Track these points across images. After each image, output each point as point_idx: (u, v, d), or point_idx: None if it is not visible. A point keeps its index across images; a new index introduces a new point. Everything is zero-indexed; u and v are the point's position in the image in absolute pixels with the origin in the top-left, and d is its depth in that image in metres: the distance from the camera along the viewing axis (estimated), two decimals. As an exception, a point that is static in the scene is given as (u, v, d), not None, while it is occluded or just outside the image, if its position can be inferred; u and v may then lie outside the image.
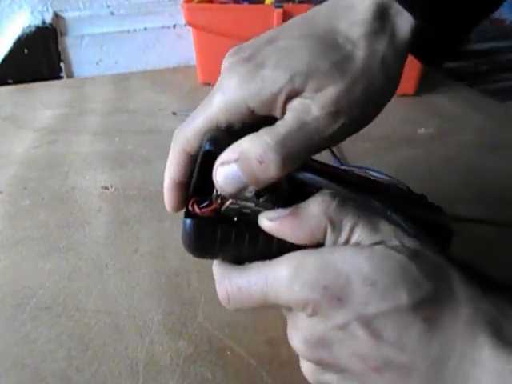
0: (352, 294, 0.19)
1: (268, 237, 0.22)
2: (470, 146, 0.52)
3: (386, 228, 0.21)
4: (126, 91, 0.69)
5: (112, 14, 0.75)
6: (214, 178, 0.21)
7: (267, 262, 0.21)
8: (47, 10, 0.72)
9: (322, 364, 0.21)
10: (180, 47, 0.81)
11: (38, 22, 0.72)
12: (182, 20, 0.71)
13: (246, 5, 0.68)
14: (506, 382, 0.17)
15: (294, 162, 0.20)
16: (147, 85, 0.72)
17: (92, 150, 0.52)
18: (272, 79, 0.21)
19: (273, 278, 0.20)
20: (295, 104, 0.21)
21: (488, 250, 0.36)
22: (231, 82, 0.22)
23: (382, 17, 0.22)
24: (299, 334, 0.21)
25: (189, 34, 0.69)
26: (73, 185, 0.45)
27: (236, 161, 0.20)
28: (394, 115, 0.61)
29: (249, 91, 0.21)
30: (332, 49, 0.22)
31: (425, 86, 0.66)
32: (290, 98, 0.21)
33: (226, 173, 0.20)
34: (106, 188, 0.45)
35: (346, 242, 0.21)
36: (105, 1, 0.74)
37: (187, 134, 0.23)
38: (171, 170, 0.24)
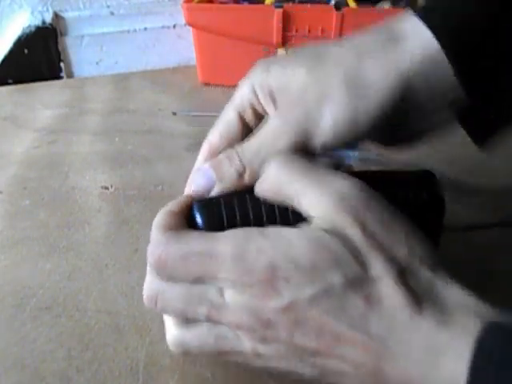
0: (288, 279, 0.19)
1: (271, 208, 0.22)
2: (470, 146, 0.52)
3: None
4: (126, 91, 0.69)
5: (112, 13, 0.75)
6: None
7: (211, 235, 0.21)
8: (47, 10, 0.72)
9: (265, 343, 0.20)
10: (180, 47, 0.81)
11: (38, 22, 0.72)
12: (182, 20, 0.71)
13: (246, 5, 0.68)
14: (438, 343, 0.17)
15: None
16: (147, 85, 0.72)
17: (92, 149, 0.52)
18: None
19: (216, 253, 0.20)
20: None
21: (492, 252, 0.36)
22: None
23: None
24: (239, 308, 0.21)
25: (189, 33, 0.69)
26: (73, 185, 0.45)
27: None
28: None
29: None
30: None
31: (425, 85, 0.66)
32: None
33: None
34: (106, 188, 0.45)
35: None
36: (105, 1, 0.74)
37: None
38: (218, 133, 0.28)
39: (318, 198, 0.20)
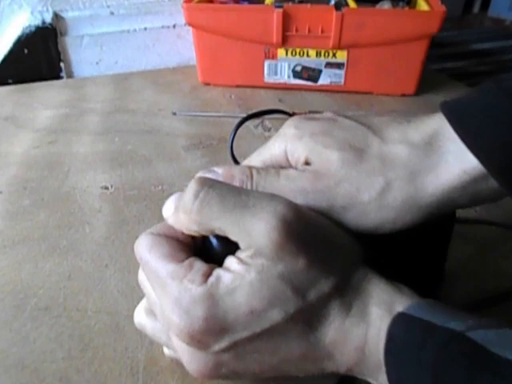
0: (227, 328, 0.20)
1: None
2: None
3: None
4: (126, 91, 0.69)
5: (112, 13, 0.75)
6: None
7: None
8: (47, 10, 0.72)
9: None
10: (180, 47, 0.81)
11: (37, 21, 0.72)
12: (182, 20, 0.71)
13: (246, 5, 0.68)
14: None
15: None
16: (147, 85, 0.72)
17: (92, 149, 0.52)
18: None
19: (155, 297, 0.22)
20: None
21: (490, 252, 0.36)
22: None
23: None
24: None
25: (189, 33, 0.69)
26: (73, 185, 0.45)
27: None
28: (394, 115, 0.61)
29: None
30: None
31: (425, 85, 0.66)
32: None
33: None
34: (106, 188, 0.45)
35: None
36: (105, 1, 0.74)
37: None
38: None
39: (246, 232, 0.20)
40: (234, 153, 0.38)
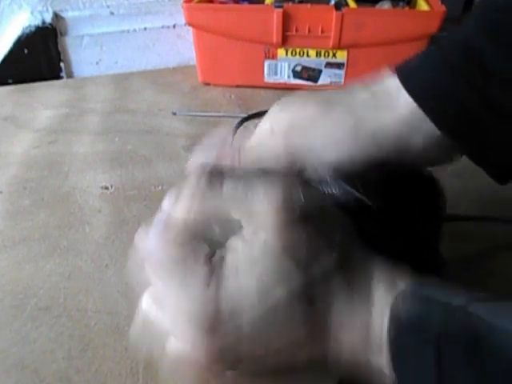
0: (237, 303, 0.20)
1: None
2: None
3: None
4: (126, 91, 0.69)
5: (112, 13, 0.75)
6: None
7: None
8: (47, 10, 0.72)
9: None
10: (180, 47, 0.81)
11: (37, 22, 0.72)
12: (182, 20, 0.71)
13: (246, 5, 0.68)
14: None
15: None
16: (147, 85, 0.72)
17: (92, 149, 0.52)
18: None
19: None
20: None
21: (490, 248, 0.36)
22: None
23: None
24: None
25: (189, 33, 0.69)
26: (73, 185, 0.45)
27: None
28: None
29: None
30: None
31: (425, 85, 0.66)
32: None
33: None
34: (106, 188, 0.45)
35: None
36: (105, 1, 0.74)
37: None
38: None
39: (248, 209, 0.21)
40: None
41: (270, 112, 0.29)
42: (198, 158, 0.28)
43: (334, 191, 0.24)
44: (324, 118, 0.26)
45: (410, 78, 0.26)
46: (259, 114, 0.39)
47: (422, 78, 0.25)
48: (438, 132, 0.25)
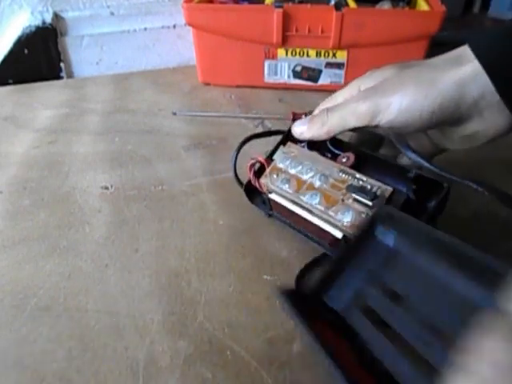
0: None
1: None
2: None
3: None
4: (126, 91, 0.70)
5: (112, 14, 0.75)
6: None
7: None
8: (47, 10, 0.72)
9: None
10: (180, 47, 0.81)
11: (38, 22, 0.72)
12: (182, 20, 0.71)
13: (246, 5, 0.68)
14: None
15: None
16: (147, 85, 0.72)
17: (92, 149, 0.52)
18: None
19: None
20: None
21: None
22: None
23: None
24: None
25: (189, 33, 0.69)
26: (73, 185, 0.45)
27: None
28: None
29: None
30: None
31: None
32: None
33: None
34: (106, 188, 0.45)
35: None
36: (105, 1, 0.74)
37: None
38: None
39: None
40: (233, 151, 0.38)
41: (361, 76, 0.34)
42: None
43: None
44: (398, 76, 0.30)
45: (476, 41, 0.29)
46: (261, 135, 0.40)
47: (486, 42, 0.28)
48: (491, 88, 0.27)
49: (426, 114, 0.29)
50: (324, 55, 0.64)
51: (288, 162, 0.35)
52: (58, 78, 0.77)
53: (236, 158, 0.38)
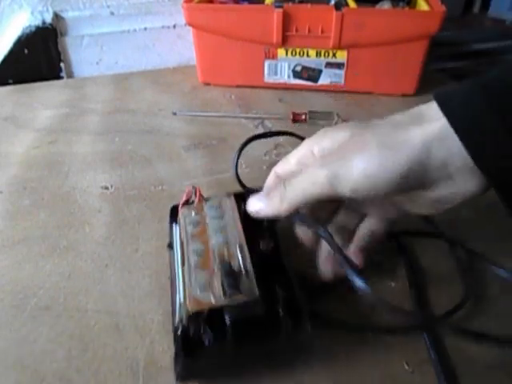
0: None
1: None
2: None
3: None
4: (126, 91, 0.70)
5: (112, 13, 0.75)
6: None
7: None
8: (47, 10, 0.72)
9: None
10: (180, 47, 0.81)
11: (38, 22, 0.72)
12: (182, 20, 0.71)
13: (246, 5, 0.68)
14: None
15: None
16: (147, 85, 0.72)
17: (92, 149, 0.52)
18: None
19: None
20: None
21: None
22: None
23: None
24: None
25: (189, 33, 0.69)
26: (73, 185, 0.45)
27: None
28: (394, 115, 0.61)
29: None
30: None
31: (425, 85, 0.66)
32: None
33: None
34: (106, 188, 0.45)
35: None
36: (105, 1, 0.74)
37: None
38: (265, 189, 0.33)
39: None
40: (233, 151, 0.38)
41: (314, 136, 0.31)
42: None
43: None
44: (358, 137, 0.28)
45: (444, 97, 0.26)
46: (262, 136, 0.40)
47: (456, 99, 0.26)
48: (462, 151, 0.25)
49: (393, 180, 0.26)
50: (324, 55, 0.64)
51: (212, 210, 0.33)
52: (58, 78, 0.77)
53: (238, 159, 0.38)
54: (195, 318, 0.25)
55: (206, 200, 0.34)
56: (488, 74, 0.26)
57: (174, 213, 0.35)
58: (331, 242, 0.28)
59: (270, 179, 0.33)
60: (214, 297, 0.25)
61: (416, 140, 0.26)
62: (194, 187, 0.34)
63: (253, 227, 0.31)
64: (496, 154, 0.24)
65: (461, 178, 0.26)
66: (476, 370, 0.27)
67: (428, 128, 0.26)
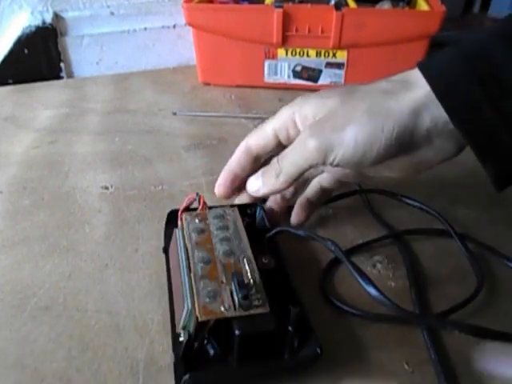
0: None
1: None
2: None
3: None
4: (126, 91, 0.69)
5: (112, 13, 0.75)
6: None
7: None
8: (47, 10, 0.72)
9: None
10: (180, 47, 0.81)
11: (38, 22, 0.72)
12: (182, 20, 0.71)
13: (246, 5, 0.68)
14: None
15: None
16: (147, 85, 0.72)
17: (92, 149, 0.52)
18: None
19: None
20: None
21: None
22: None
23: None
24: None
25: (189, 33, 0.69)
26: (73, 185, 0.45)
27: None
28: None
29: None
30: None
31: (425, 85, 0.66)
32: None
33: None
34: (106, 188, 0.45)
35: None
36: (105, 1, 0.74)
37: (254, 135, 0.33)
38: (232, 162, 0.34)
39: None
40: (233, 151, 0.38)
41: (292, 103, 0.31)
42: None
43: None
44: (347, 105, 0.28)
45: (427, 65, 0.27)
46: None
47: (439, 66, 0.27)
48: (444, 117, 0.26)
49: (383, 147, 0.26)
50: (324, 55, 0.64)
51: (217, 220, 0.32)
52: (58, 78, 0.77)
53: None
54: (202, 326, 0.24)
55: (210, 208, 0.33)
56: (466, 40, 0.27)
57: (171, 217, 0.35)
58: (341, 256, 0.28)
59: (240, 149, 0.33)
60: (224, 307, 0.25)
61: (404, 106, 0.26)
62: (197, 194, 0.33)
63: (256, 241, 0.31)
64: (475, 115, 0.25)
65: (440, 142, 0.27)
66: (476, 370, 0.27)
67: (414, 95, 0.26)
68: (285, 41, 0.63)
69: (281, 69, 0.66)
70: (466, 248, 0.35)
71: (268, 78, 0.68)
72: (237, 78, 0.69)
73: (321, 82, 0.66)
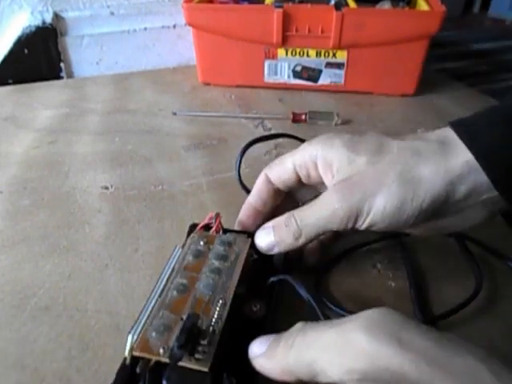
0: None
1: None
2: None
3: None
4: (126, 91, 0.70)
5: (112, 14, 0.75)
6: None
7: None
8: (47, 10, 0.72)
9: None
10: (180, 47, 0.81)
11: (38, 22, 0.72)
12: (182, 20, 0.71)
13: (245, 5, 0.68)
14: None
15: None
16: (147, 85, 0.72)
17: (92, 149, 0.52)
18: None
19: None
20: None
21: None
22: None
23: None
24: None
25: (189, 33, 0.69)
26: (73, 185, 0.45)
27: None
28: (394, 115, 0.61)
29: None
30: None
31: (425, 86, 0.66)
32: None
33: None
34: (106, 188, 0.45)
35: None
36: (105, 1, 0.74)
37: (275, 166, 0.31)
38: (253, 196, 0.33)
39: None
40: (235, 153, 0.38)
41: (316, 142, 0.29)
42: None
43: None
44: (376, 169, 0.27)
45: (464, 128, 0.26)
46: (267, 138, 0.40)
47: (478, 130, 0.25)
48: (483, 186, 0.25)
49: (411, 216, 0.26)
50: (324, 55, 0.64)
51: (221, 247, 0.30)
52: (58, 77, 0.77)
53: (240, 162, 0.38)
54: (135, 362, 0.23)
55: (225, 232, 0.32)
56: (505, 101, 0.26)
57: (192, 230, 0.33)
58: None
59: (260, 181, 0.32)
60: (164, 349, 0.22)
61: (438, 177, 0.25)
62: (216, 214, 0.32)
63: (259, 282, 0.28)
64: None
65: (471, 210, 0.26)
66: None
67: (451, 162, 0.25)
68: (285, 41, 0.63)
69: (281, 69, 0.66)
70: (466, 248, 0.35)
71: (268, 78, 0.68)
72: (237, 78, 0.69)
73: (321, 81, 0.66)
